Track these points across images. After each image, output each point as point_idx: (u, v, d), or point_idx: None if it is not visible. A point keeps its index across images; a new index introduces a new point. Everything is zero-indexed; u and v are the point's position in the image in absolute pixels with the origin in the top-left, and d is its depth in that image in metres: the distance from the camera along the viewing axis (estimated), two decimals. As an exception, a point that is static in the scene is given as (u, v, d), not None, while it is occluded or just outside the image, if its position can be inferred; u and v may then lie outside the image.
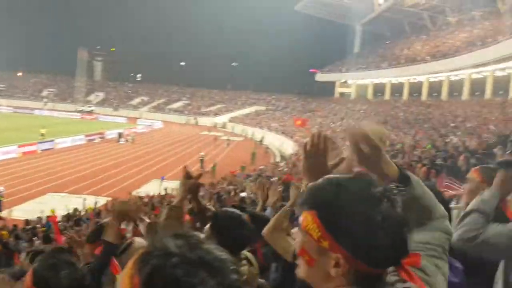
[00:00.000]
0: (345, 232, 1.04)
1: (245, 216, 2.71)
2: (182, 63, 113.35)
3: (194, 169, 30.59)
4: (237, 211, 2.78)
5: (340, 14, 76.85)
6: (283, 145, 49.31)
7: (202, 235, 2.53)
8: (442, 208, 1.41)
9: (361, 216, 1.03)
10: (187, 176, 2.77)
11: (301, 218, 1.13)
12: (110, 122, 65.72)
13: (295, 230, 2.60)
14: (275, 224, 3.17)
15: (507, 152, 9.42)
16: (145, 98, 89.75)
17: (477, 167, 3.28)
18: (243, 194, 14.19)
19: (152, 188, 26.37)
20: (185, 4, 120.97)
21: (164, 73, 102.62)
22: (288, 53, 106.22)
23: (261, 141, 52.22)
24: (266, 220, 3.36)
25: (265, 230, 3.19)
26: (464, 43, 46.42)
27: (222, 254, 0.81)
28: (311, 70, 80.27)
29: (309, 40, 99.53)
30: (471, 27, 51.41)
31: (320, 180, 1.13)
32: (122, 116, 74.77)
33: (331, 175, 1.16)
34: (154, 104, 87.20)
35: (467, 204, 2.76)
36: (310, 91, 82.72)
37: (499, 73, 43.19)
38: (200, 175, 2.85)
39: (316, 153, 1.56)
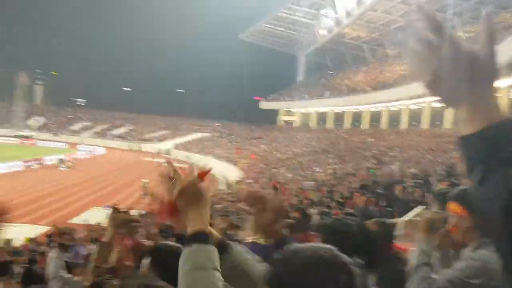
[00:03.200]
0: None
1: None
2: (126, 88, 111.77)
3: (137, 196, 30.14)
4: (177, 245, 2.53)
5: (284, 44, 78.63)
6: (227, 172, 49.29)
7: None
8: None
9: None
10: (115, 210, 2.71)
11: None
12: (49, 148, 63.60)
13: None
14: None
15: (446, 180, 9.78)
16: (87, 124, 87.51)
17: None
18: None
19: (92, 216, 25.51)
20: (130, 29, 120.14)
21: (107, 98, 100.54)
22: (232, 81, 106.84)
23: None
24: None
25: None
26: (401, 76, 48.29)
27: None
28: (254, 98, 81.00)
29: (253, 69, 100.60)
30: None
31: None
32: (62, 142, 72.37)
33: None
34: (96, 129, 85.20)
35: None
36: (254, 118, 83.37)
37: (435, 105, 45.10)
38: (129, 210, 2.82)
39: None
